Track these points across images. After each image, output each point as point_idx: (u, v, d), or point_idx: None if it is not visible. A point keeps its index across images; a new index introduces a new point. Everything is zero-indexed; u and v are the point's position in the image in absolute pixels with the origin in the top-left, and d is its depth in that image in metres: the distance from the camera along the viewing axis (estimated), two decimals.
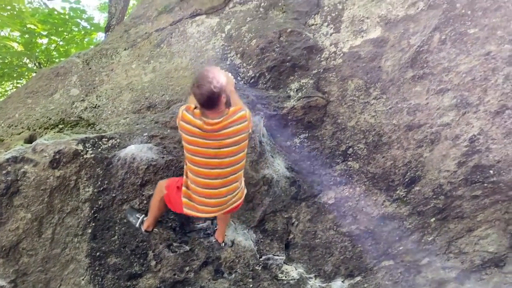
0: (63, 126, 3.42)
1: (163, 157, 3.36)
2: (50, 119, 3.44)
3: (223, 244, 3.51)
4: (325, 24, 3.27)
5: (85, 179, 3.31)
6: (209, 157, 2.62)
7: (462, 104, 3.20)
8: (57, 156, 3.18)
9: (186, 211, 2.84)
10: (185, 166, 2.80)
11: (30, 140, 3.38)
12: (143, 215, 3.36)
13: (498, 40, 2.96)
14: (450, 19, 2.98)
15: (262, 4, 3.38)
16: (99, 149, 3.30)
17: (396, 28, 3.12)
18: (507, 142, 3.29)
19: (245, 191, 2.96)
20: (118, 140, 3.36)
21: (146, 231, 3.31)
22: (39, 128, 3.42)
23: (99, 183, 3.34)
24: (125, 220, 3.41)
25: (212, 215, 2.91)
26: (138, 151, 3.31)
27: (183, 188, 2.81)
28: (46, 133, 3.38)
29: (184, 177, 2.83)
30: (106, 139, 3.34)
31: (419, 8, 3.04)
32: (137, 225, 3.33)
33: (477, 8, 2.92)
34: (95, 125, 3.43)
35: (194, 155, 2.64)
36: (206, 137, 2.57)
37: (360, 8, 3.19)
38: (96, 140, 3.31)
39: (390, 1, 3.11)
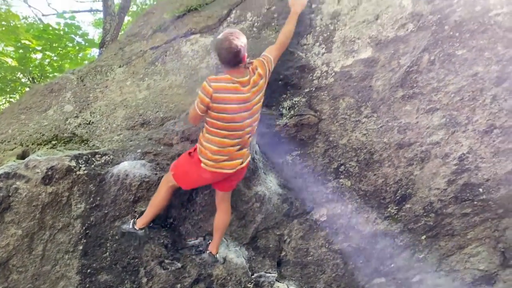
0: (56, 142, 3.43)
1: (156, 174, 3.38)
2: (43, 135, 3.45)
3: (216, 256, 3.51)
4: (317, 44, 3.34)
5: (77, 195, 3.31)
6: (239, 112, 2.83)
7: (451, 123, 3.26)
8: (49, 172, 3.19)
9: (211, 169, 2.98)
10: (201, 135, 3.03)
11: (23, 156, 3.38)
12: (134, 219, 3.37)
13: (485, 61, 3.03)
14: (438, 40, 3.05)
15: (256, 24, 3.44)
16: (92, 166, 3.31)
17: (386, 48, 3.19)
18: (496, 160, 3.35)
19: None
20: (111, 157, 3.37)
21: (140, 228, 3.31)
22: (32, 144, 3.42)
23: (92, 199, 3.34)
24: (117, 237, 3.40)
25: (231, 171, 3.02)
26: (131, 167, 3.32)
27: (200, 150, 3.01)
28: (39, 149, 3.39)
29: (198, 145, 3.04)
30: (100, 156, 3.36)
31: (408, 30, 3.12)
32: (130, 226, 3.33)
33: (464, 30, 2.99)
34: (88, 142, 3.45)
35: (225, 113, 2.81)
36: (241, 91, 2.80)
37: (351, 29, 3.26)
38: (89, 156, 3.33)
39: (380, 22, 3.19)
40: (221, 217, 3.38)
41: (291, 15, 3.17)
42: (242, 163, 3.04)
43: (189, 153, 3.12)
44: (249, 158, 3.12)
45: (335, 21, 3.31)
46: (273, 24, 3.41)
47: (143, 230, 3.34)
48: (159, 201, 3.23)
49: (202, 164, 2.98)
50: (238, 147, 2.97)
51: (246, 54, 2.78)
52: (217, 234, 3.43)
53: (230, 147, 2.94)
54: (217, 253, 3.50)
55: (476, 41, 2.99)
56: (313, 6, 3.36)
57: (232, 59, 2.73)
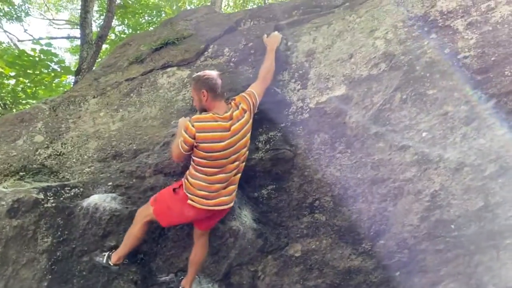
0: (24, 173, 3.32)
1: (127, 207, 3.30)
2: (11, 165, 3.34)
3: None
4: (293, 80, 3.39)
5: (44, 229, 3.20)
6: (225, 149, 2.84)
7: (423, 161, 3.31)
8: (15, 205, 3.08)
9: (197, 205, 2.93)
10: (188, 171, 3.03)
11: None
12: (108, 252, 3.25)
13: (455, 101, 3.13)
14: (410, 80, 3.14)
15: (233, 59, 3.48)
16: (61, 198, 3.22)
17: (360, 86, 3.26)
18: (467, 198, 3.40)
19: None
20: (81, 189, 3.29)
21: (115, 264, 3.18)
22: None
23: (59, 233, 3.23)
24: (84, 273, 3.27)
25: (218, 208, 3.00)
26: (101, 201, 3.24)
27: (187, 187, 2.98)
28: (5, 180, 3.27)
29: (185, 180, 3.01)
30: (69, 188, 3.26)
31: (381, 69, 3.20)
32: (104, 261, 3.20)
33: (435, 71, 3.09)
34: (58, 173, 3.35)
35: (211, 152, 2.83)
36: (225, 128, 2.84)
37: (326, 66, 3.33)
38: (59, 188, 3.23)
39: (354, 61, 3.27)
40: (198, 251, 3.30)
41: (268, 52, 3.25)
42: (229, 202, 3.04)
43: (174, 189, 3.05)
44: (232, 203, 3.11)
45: (310, 58, 3.38)
46: (250, 60, 3.46)
47: (117, 267, 3.23)
48: (134, 235, 3.13)
49: (188, 200, 2.94)
50: (225, 183, 2.96)
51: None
52: (192, 269, 3.34)
53: (217, 183, 2.93)
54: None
55: (446, 82, 3.09)
56: (289, 43, 3.43)
57: (222, 91, 2.92)
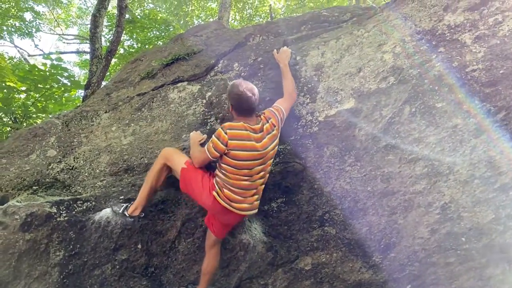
0: (37, 187, 3.36)
1: (138, 221, 3.32)
2: (24, 180, 3.38)
3: None
4: (302, 94, 3.42)
5: (56, 242, 3.22)
6: (254, 159, 2.91)
7: (433, 173, 3.32)
8: (29, 219, 3.11)
9: (220, 201, 2.96)
10: (217, 169, 3.07)
11: (2, 201, 3.30)
12: (127, 204, 3.24)
13: (464, 114, 3.14)
14: (419, 93, 3.17)
15: (242, 74, 3.52)
16: (73, 212, 3.25)
17: (368, 100, 3.28)
18: (477, 210, 3.40)
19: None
20: (93, 203, 3.32)
21: (131, 216, 3.16)
22: (12, 189, 3.34)
23: (71, 247, 3.25)
24: (98, 281, 3.28)
25: (241, 212, 3.02)
26: (113, 214, 3.26)
27: (216, 180, 3.02)
28: (19, 194, 3.31)
29: (216, 174, 3.06)
30: (81, 202, 3.30)
31: (390, 83, 3.23)
32: (121, 211, 3.19)
33: (443, 84, 3.11)
34: (70, 187, 3.39)
35: (240, 160, 2.88)
36: (256, 139, 2.90)
37: (335, 80, 3.36)
38: (71, 202, 3.27)
39: (362, 75, 3.30)
40: (210, 261, 3.31)
41: (283, 69, 3.32)
42: (250, 209, 3.07)
43: (210, 173, 3.13)
44: (252, 211, 3.13)
45: (319, 73, 3.41)
46: (259, 74, 3.50)
47: (132, 219, 3.18)
48: (150, 181, 3.13)
49: (214, 192, 2.98)
50: (250, 191, 3.02)
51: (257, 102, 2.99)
52: (204, 279, 3.34)
53: (243, 189, 2.98)
54: None
55: (454, 95, 3.11)
56: (298, 58, 3.47)
57: (250, 107, 2.93)
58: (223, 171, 2.96)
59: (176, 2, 15.12)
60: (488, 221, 3.46)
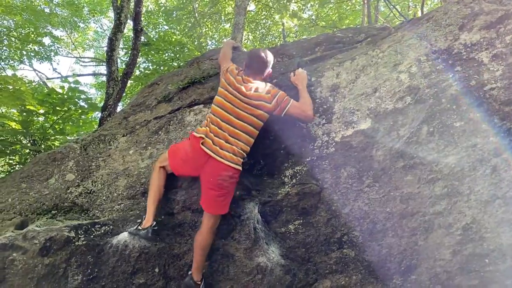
0: (56, 212, 3.39)
1: (156, 245, 3.32)
2: (43, 204, 3.42)
3: (200, 283, 3.29)
4: (317, 114, 3.42)
5: (74, 266, 3.23)
6: (232, 104, 3.15)
7: (453, 193, 3.26)
8: (48, 244, 3.13)
9: (197, 134, 3.15)
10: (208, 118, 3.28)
11: (21, 226, 3.34)
12: (139, 221, 3.26)
13: (483, 133, 3.10)
14: (436, 113, 3.14)
15: None
16: (92, 236, 3.26)
17: (385, 120, 3.26)
18: (500, 231, 3.31)
19: (239, 170, 3.15)
20: (111, 227, 3.33)
21: (143, 229, 3.13)
22: (32, 214, 3.38)
23: (89, 271, 3.25)
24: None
25: (210, 153, 3.08)
26: (131, 238, 3.27)
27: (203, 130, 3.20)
28: (38, 219, 3.35)
29: (205, 127, 3.23)
30: (99, 226, 3.31)
31: (406, 102, 3.21)
32: (134, 229, 3.18)
33: (461, 103, 3.09)
34: (88, 211, 3.42)
35: (223, 98, 3.21)
36: (236, 89, 3.17)
37: (351, 101, 3.36)
38: (89, 226, 3.28)
39: (379, 95, 3.29)
40: (196, 236, 3.26)
41: (300, 91, 3.35)
42: (228, 159, 3.07)
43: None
44: (233, 164, 3.10)
45: (335, 93, 3.42)
46: None
47: (146, 231, 3.14)
48: (153, 184, 3.25)
49: (194, 132, 3.20)
50: (226, 134, 3.13)
51: (268, 71, 3.37)
52: (195, 254, 3.28)
53: (219, 129, 3.14)
54: (200, 280, 3.30)
55: (473, 114, 3.08)
56: (313, 79, 3.48)
57: (253, 64, 3.31)
58: (211, 110, 3.26)
59: (190, 24, 15.40)
60: None
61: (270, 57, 3.33)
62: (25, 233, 3.14)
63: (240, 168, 3.13)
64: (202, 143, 3.09)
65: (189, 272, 3.33)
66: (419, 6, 15.63)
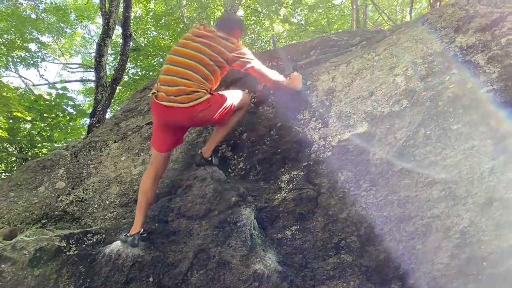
0: (46, 221, 3.29)
1: (149, 253, 3.23)
2: (33, 213, 3.32)
3: (210, 159, 3.33)
4: (313, 119, 3.38)
5: (66, 277, 3.13)
6: (183, 46, 3.08)
7: (451, 196, 3.24)
8: (38, 254, 3.03)
9: (152, 103, 3.05)
10: None
11: (10, 236, 3.24)
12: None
13: (480, 135, 3.08)
14: (433, 115, 3.12)
15: (253, 100, 3.50)
16: (83, 245, 3.17)
17: (382, 123, 3.24)
18: (498, 233, 3.29)
19: (209, 98, 3.08)
20: (103, 236, 3.24)
21: (131, 235, 3.11)
22: (21, 224, 3.28)
23: (81, 281, 3.15)
24: None
25: (168, 104, 2.96)
26: (124, 247, 3.18)
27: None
28: (27, 228, 3.25)
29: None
30: (91, 235, 3.22)
31: (403, 105, 3.19)
32: (124, 237, 3.14)
33: (458, 106, 3.07)
34: (80, 220, 3.33)
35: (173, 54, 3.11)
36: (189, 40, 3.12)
37: (347, 104, 3.32)
38: (81, 235, 3.19)
39: (375, 98, 3.26)
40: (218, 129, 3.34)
41: (289, 87, 3.38)
42: (187, 98, 2.97)
43: None
44: (201, 99, 3.02)
45: (330, 97, 3.38)
46: (269, 100, 3.48)
47: (132, 238, 3.11)
48: (142, 186, 3.14)
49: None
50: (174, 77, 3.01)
51: (238, 31, 3.27)
52: (216, 134, 3.33)
53: (167, 75, 3.03)
54: (210, 157, 3.36)
55: (470, 116, 3.06)
56: (308, 83, 3.45)
57: (219, 22, 3.32)
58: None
59: (179, 29, 15.34)
60: (510, 244, 3.34)
61: (239, 24, 3.32)
62: (14, 244, 3.04)
63: (205, 96, 3.05)
64: (155, 98, 2.99)
65: (199, 151, 3.34)
66: (407, 11, 15.79)
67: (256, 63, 3.14)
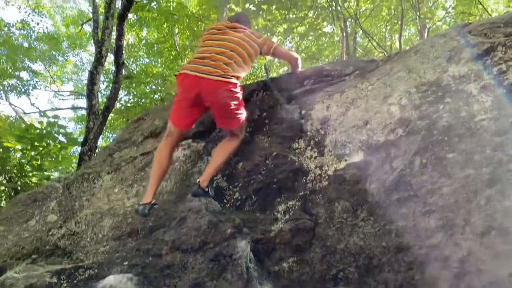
0: (37, 256, 3.20)
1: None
2: (23, 248, 3.23)
3: (206, 189, 3.22)
4: (309, 148, 3.37)
5: None
6: (219, 39, 3.40)
7: (449, 225, 3.21)
8: None
9: (184, 71, 3.23)
10: None
11: None
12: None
13: (476, 164, 3.08)
14: (429, 144, 3.12)
15: (248, 129, 3.49)
16: (75, 281, 3.07)
17: (378, 152, 3.23)
18: (497, 263, 3.25)
19: (237, 84, 3.29)
20: (96, 270, 3.15)
21: (143, 204, 3.08)
22: (10, 259, 3.18)
23: None
24: None
25: (199, 74, 3.14)
26: (117, 282, 3.08)
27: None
28: (17, 264, 3.15)
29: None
30: (83, 270, 3.13)
31: (398, 134, 3.20)
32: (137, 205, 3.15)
33: (453, 135, 3.08)
34: (72, 254, 3.24)
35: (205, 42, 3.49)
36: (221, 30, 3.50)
37: (342, 133, 3.32)
38: (72, 271, 3.10)
39: (370, 127, 3.27)
40: (223, 144, 3.39)
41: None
42: (213, 74, 3.15)
43: None
44: (232, 79, 3.21)
45: (325, 126, 3.39)
46: (264, 129, 3.47)
47: (143, 207, 3.07)
48: (157, 157, 3.20)
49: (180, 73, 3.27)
50: (211, 54, 3.26)
51: (245, 26, 3.60)
52: (212, 162, 3.30)
53: (204, 54, 3.30)
54: (206, 187, 3.24)
55: (465, 145, 3.07)
56: (303, 112, 3.45)
57: (241, 17, 3.74)
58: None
59: (171, 57, 15.47)
60: (509, 273, 3.30)
61: (246, 25, 3.65)
62: (3, 281, 2.94)
63: (234, 80, 3.24)
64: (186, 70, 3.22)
65: (197, 181, 3.25)
66: (395, 38, 16.11)
67: (278, 45, 3.63)
